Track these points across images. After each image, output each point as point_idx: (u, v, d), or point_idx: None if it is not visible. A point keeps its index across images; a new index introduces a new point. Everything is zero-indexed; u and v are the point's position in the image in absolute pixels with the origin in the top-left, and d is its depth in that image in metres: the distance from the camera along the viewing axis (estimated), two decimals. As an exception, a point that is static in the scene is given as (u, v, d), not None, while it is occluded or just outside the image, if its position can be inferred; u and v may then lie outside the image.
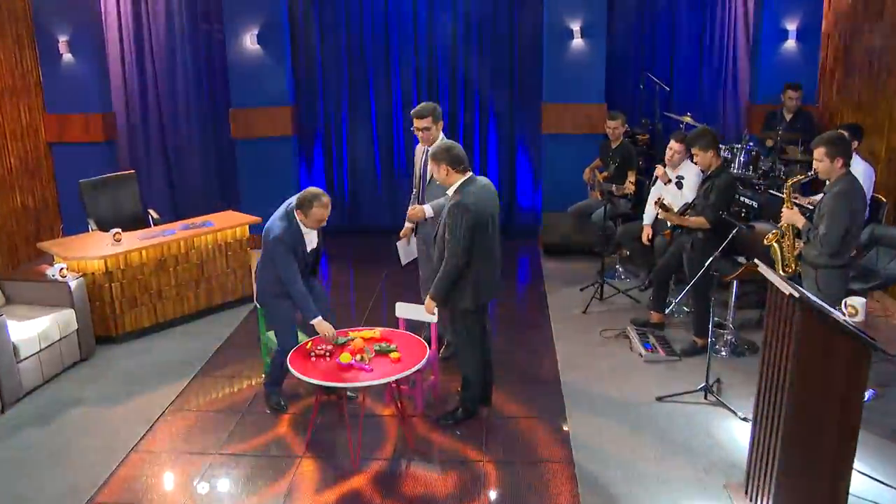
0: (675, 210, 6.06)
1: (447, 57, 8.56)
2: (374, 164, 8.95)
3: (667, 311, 5.90)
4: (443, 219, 4.40)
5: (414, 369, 4.28)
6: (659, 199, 5.45)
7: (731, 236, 5.06)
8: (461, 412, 4.76)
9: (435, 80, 8.65)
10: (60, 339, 5.43)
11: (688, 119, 7.46)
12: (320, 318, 4.55)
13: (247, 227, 6.70)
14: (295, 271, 4.56)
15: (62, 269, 5.61)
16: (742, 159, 6.85)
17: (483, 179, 4.54)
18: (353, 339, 4.49)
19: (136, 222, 6.98)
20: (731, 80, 8.28)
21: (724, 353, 5.67)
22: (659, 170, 6.09)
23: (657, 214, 5.96)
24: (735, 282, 5.64)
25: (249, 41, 7.81)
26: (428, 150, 5.08)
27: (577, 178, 7.98)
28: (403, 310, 5.01)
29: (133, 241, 6.08)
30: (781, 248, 5.08)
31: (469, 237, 4.29)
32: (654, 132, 7.84)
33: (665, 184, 6.17)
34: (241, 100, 8.00)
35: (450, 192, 4.43)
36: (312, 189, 4.60)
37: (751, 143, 6.87)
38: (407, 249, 5.56)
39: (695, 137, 5.42)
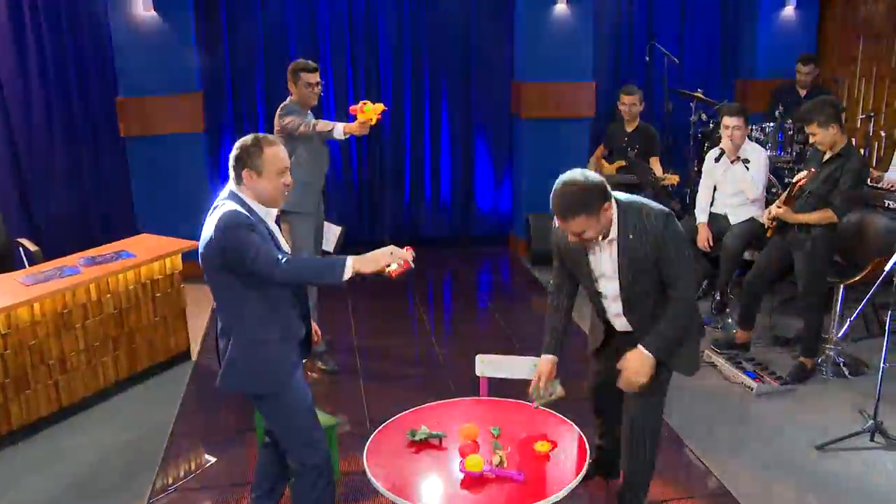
0: (752, 196, 4.95)
1: (389, 32, 6.92)
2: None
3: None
4: (634, 248, 2.82)
5: (584, 470, 2.69)
6: (798, 182, 4.23)
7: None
8: None
9: (374, 59, 6.97)
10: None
11: (699, 95, 6.36)
12: (350, 260, 2.60)
13: (179, 255, 4.75)
14: (275, 254, 2.60)
15: None
16: (779, 140, 5.86)
17: None
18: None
19: (3, 260, 4.80)
20: (725, 52, 7.29)
21: (830, 375, 4.59)
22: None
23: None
24: (843, 288, 4.60)
25: (142, 6, 5.76)
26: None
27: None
28: (488, 365, 3.42)
29: (15, 289, 3.98)
30: None
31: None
32: (662, 114, 6.65)
33: (731, 162, 5.00)
34: (133, 86, 5.91)
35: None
36: (247, 136, 2.75)
37: (787, 122, 5.88)
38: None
39: (813, 111, 4.24)
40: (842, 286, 4.57)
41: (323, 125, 4.32)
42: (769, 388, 4.40)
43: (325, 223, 4.65)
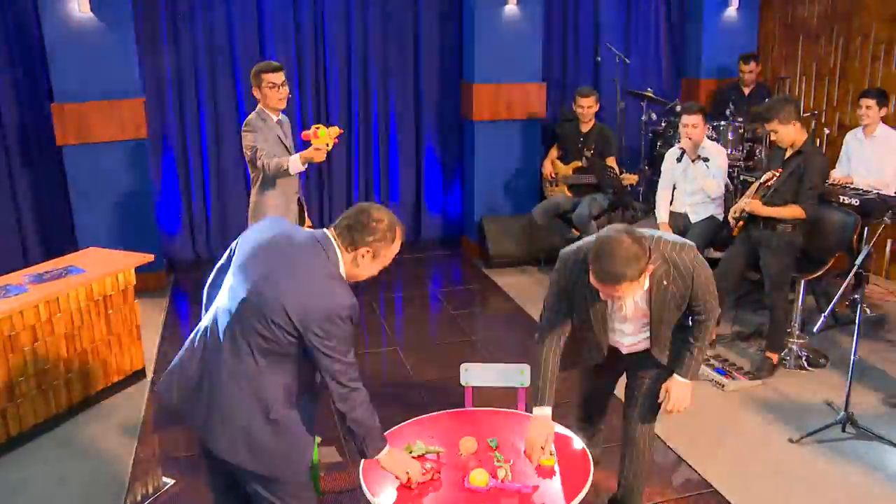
0: (713, 194, 5.04)
1: (336, 34, 6.75)
2: (243, 176, 6.90)
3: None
4: (666, 294, 2.73)
5: (589, 482, 2.63)
6: (765, 182, 4.29)
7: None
8: None
9: (321, 61, 6.80)
10: None
11: (650, 95, 6.43)
12: (389, 447, 2.51)
13: (132, 269, 4.50)
14: (357, 373, 2.39)
15: None
16: (731, 138, 5.98)
17: None
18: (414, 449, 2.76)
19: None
20: (670, 52, 7.40)
21: (793, 368, 4.70)
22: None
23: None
24: (803, 281, 4.71)
25: (78, 6, 5.45)
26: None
27: (520, 174, 6.70)
28: (472, 374, 3.33)
29: (-44, 312, 3.70)
30: None
31: None
32: (614, 113, 6.69)
33: (693, 161, 5.06)
34: (69, 91, 5.57)
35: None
36: (374, 208, 2.42)
37: (738, 121, 6.01)
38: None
39: (773, 108, 4.31)
40: (802, 281, 4.68)
41: (276, 165, 3.99)
42: (739, 383, 4.46)
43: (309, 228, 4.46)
